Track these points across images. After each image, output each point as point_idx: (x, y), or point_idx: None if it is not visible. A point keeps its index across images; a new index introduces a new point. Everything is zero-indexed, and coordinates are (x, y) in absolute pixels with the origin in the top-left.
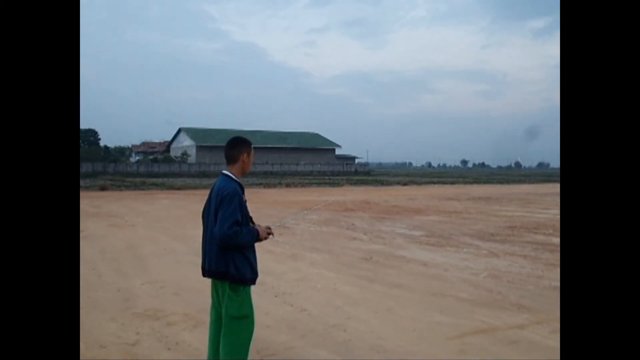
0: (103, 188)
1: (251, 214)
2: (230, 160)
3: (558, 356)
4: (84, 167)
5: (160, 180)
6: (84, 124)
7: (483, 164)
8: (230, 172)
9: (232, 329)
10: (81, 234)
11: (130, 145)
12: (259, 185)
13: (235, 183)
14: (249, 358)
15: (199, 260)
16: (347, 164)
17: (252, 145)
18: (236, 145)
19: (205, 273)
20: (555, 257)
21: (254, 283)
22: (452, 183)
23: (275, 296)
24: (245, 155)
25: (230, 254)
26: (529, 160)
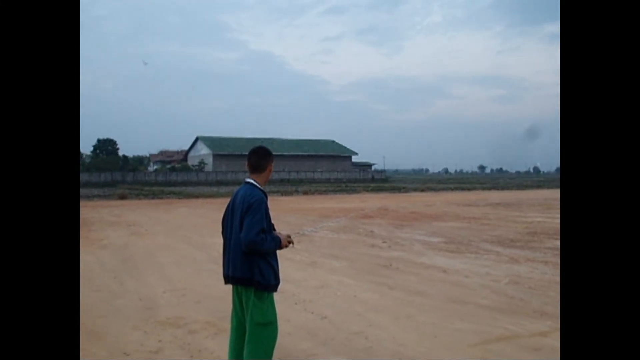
0: (122, 197)
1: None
2: (257, 169)
3: None
4: (103, 177)
5: (178, 189)
6: (103, 134)
7: (501, 169)
8: (255, 181)
9: (256, 336)
10: (102, 243)
11: (148, 155)
12: (276, 192)
13: (261, 191)
14: None
15: (219, 268)
16: (363, 171)
17: None
18: (264, 155)
19: (228, 280)
20: None
21: (276, 290)
22: (469, 189)
23: (296, 303)
24: (272, 165)
25: (254, 261)
26: (548, 165)
